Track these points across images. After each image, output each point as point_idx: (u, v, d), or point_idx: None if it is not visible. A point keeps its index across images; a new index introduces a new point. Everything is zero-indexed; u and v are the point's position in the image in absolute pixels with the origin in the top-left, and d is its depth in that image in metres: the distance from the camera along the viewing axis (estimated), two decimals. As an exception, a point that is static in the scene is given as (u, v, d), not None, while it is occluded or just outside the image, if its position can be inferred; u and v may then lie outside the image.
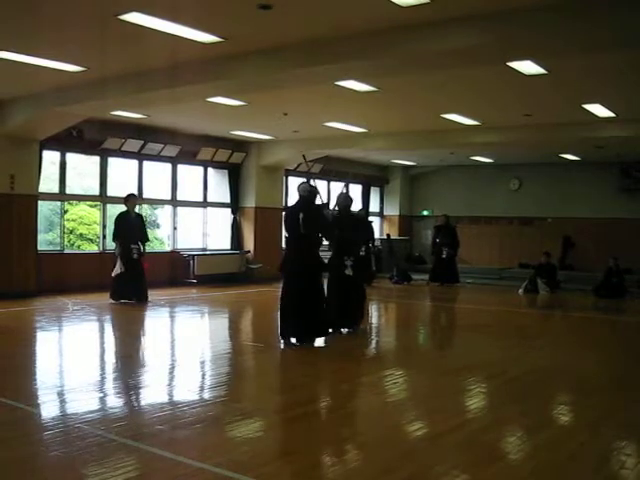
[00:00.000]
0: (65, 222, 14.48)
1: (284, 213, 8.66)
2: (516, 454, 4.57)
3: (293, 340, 8.35)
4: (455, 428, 5.07)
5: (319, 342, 8.49)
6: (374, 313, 11.29)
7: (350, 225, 9.39)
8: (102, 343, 9.15)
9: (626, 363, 8.02)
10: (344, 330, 9.28)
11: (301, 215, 8.07)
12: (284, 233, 8.65)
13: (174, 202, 15.99)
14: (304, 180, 9.32)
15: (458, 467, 4.24)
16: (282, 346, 8.33)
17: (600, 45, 7.07)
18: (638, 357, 8.39)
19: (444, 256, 17.16)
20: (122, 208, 12.31)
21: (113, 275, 11.92)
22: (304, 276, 8.23)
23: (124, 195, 12.51)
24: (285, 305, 8.36)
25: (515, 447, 4.71)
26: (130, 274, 11.90)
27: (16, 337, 8.84)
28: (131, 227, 12.07)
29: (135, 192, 12.25)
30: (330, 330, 8.63)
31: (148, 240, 12.72)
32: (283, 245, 16.43)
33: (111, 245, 13.26)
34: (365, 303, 9.81)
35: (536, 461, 4.38)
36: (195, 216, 16.83)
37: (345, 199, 9.63)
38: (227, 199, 17.20)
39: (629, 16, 6.23)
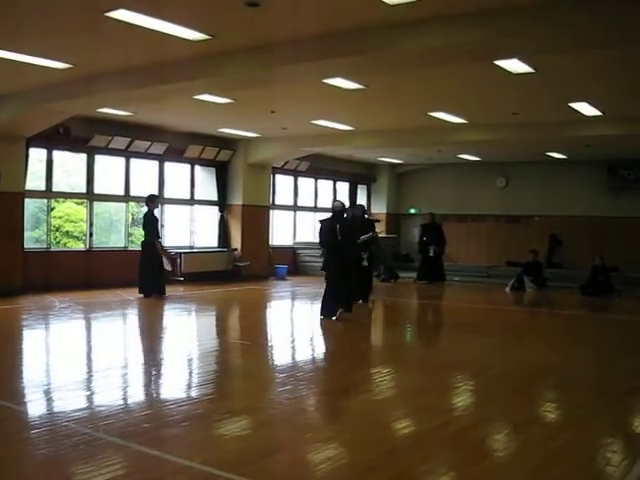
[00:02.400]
0: (51, 220, 14.41)
1: (320, 226, 10.72)
2: (503, 451, 4.59)
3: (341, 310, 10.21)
4: (442, 426, 5.09)
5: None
6: (360, 311, 11.30)
7: (363, 228, 12.17)
8: (89, 341, 9.11)
9: (612, 361, 8.08)
10: (360, 301, 11.81)
11: (338, 226, 10.30)
12: (319, 241, 10.82)
13: (161, 200, 15.90)
14: (336, 198, 12.08)
15: (444, 465, 4.26)
16: (270, 343, 8.34)
17: (588, 43, 7.11)
18: (624, 355, 8.44)
19: (431, 254, 17.23)
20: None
21: (165, 270, 12.92)
22: (341, 268, 10.40)
23: (146, 195, 13.27)
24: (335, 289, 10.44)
25: (502, 445, 4.74)
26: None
27: (2, 335, 8.79)
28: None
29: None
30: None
31: None
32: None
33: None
34: (372, 282, 12.89)
35: (522, 458, 4.42)
36: (182, 214, 16.77)
37: (357, 209, 12.98)
38: (214, 197, 17.16)
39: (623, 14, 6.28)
